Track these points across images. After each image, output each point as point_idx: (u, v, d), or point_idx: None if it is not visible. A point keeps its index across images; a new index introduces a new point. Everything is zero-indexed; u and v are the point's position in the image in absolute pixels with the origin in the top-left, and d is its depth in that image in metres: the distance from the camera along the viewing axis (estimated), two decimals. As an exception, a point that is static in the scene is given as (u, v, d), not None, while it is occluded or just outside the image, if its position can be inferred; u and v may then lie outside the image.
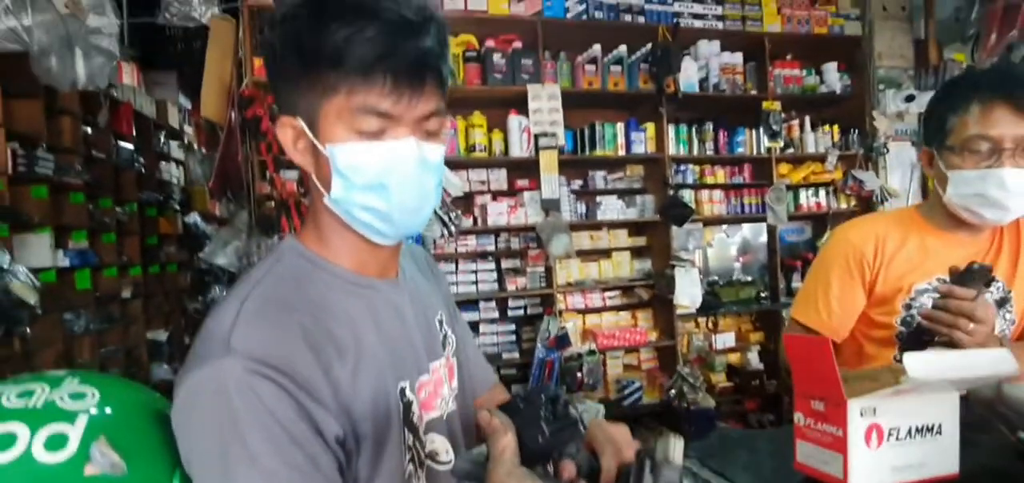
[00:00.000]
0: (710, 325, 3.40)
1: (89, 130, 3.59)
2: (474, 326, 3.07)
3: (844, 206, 3.50)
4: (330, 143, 0.58)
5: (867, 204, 3.40)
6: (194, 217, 4.60)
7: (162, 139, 4.77)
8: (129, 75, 2.43)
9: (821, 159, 3.43)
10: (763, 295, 3.42)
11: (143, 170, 4.35)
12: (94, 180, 3.59)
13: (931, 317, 0.92)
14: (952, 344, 0.90)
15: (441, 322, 0.75)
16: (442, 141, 0.63)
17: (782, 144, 3.30)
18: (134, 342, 4.11)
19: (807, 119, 3.44)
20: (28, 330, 2.93)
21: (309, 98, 0.58)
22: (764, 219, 3.33)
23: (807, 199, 3.46)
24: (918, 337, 0.95)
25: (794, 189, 3.42)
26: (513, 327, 3.13)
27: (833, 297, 1.12)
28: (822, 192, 3.48)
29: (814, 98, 3.45)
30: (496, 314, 3.10)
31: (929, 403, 0.72)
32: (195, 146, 4.98)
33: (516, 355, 3.06)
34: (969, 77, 1.06)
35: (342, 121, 0.57)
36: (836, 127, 3.48)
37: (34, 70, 2.43)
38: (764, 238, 3.48)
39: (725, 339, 3.36)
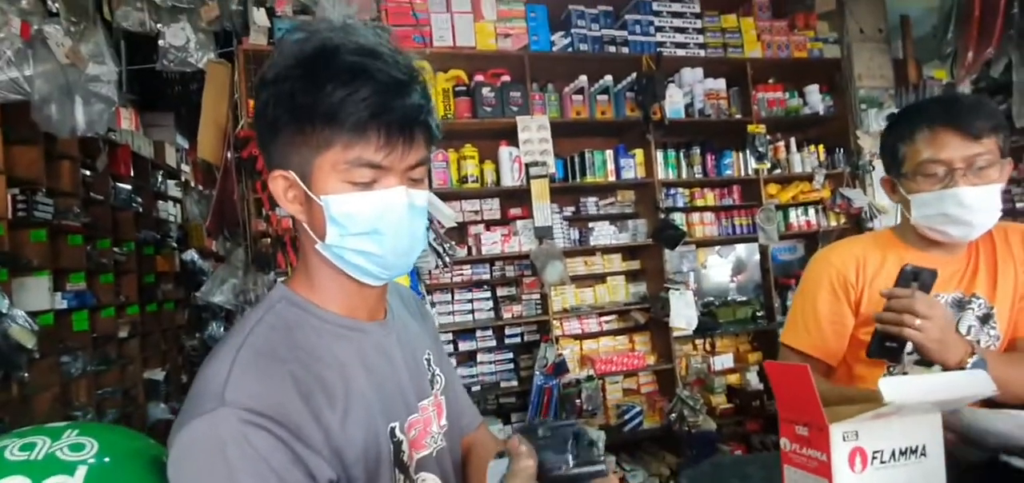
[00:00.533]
0: (708, 346, 3.42)
1: (87, 173, 3.64)
2: (471, 355, 3.08)
3: (834, 224, 3.54)
4: (324, 194, 0.61)
5: (857, 221, 3.45)
6: (191, 254, 4.63)
7: (160, 178, 4.84)
8: (128, 119, 2.51)
9: (808, 179, 3.49)
10: (759, 314, 3.44)
11: (140, 210, 4.40)
12: (92, 222, 3.63)
13: (881, 319, 0.95)
14: (911, 350, 0.94)
15: (429, 361, 0.78)
16: (425, 187, 0.67)
17: (769, 165, 3.36)
18: (131, 382, 4.10)
19: (792, 140, 3.52)
20: (26, 375, 2.93)
21: (302, 152, 0.61)
22: (756, 239, 3.37)
23: (797, 218, 3.50)
24: (881, 342, 0.97)
25: (784, 209, 3.47)
26: (511, 355, 3.14)
27: (822, 319, 1.14)
28: (812, 211, 3.53)
29: (798, 120, 3.53)
30: (493, 342, 3.11)
31: (912, 424, 0.72)
32: (192, 184, 5.05)
33: (515, 383, 3.06)
34: (913, 108, 1.12)
35: (336, 173, 0.60)
36: (821, 147, 3.55)
37: (34, 118, 2.48)
38: (757, 258, 3.52)
39: (723, 360, 3.36)
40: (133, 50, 2.96)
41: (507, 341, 3.14)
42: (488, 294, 3.11)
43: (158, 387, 4.34)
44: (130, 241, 4.18)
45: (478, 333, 3.07)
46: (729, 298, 3.53)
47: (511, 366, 3.13)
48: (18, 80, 2.44)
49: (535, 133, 2.95)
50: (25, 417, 3.10)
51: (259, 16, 2.59)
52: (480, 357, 3.08)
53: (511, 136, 2.94)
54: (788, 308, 3.37)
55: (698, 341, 3.37)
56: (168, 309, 4.85)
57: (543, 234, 2.96)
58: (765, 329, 3.40)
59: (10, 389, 3.01)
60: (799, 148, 3.51)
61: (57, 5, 2.41)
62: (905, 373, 1.04)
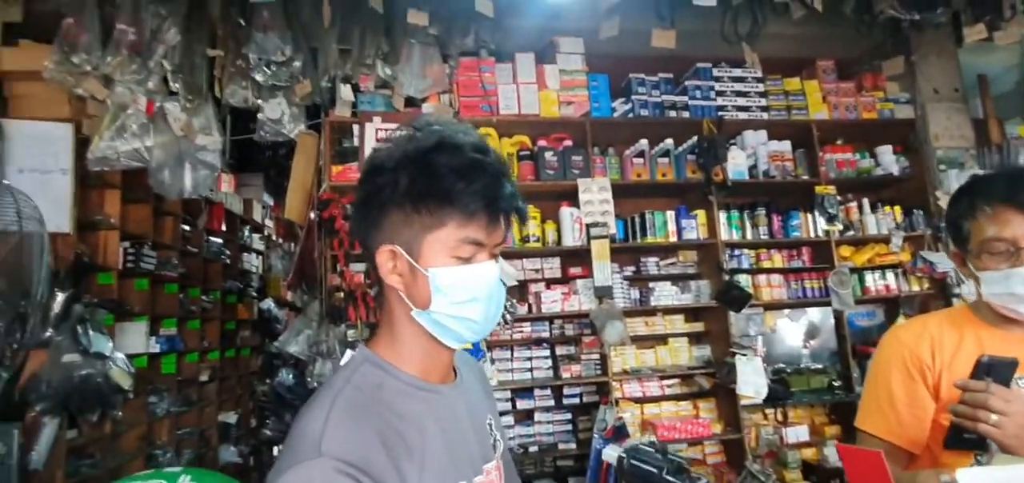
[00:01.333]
0: (780, 417, 3.22)
1: (186, 228, 4.04)
2: (529, 414, 3.06)
3: (916, 288, 3.33)
4: (431, 267, 0.70)
5: (942, 286, 3.23)
6: (268, 303, 4.96)
7: (246, 233, 5.28)
8: (227, 183, 2.83)
9: (885, 241, 3.33)
10: (836, 384, 3.22)
11: (228, 261, 4.80)
12: (186, 272, 3.99)
13: (956, 412, 0.91)
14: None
15: (491, 425, 0.84)
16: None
17: (841, 227, 3.24)
18: (207, 424, 4.34)
19: (865, 201, 3.39)
20: (120, 413, 3.19)
21: (413, 230, 0.70)
22: (829, 303, 3.21)
23: (874, 282, 3.32)
24: (959, 434, 0.92)
25: (859, 272, 3.30)
26: (569, 416, 3.09)
27: (898, 403, 1.08)
28: (890, 274, 3.34)
29: (870, 180, 3.42)
30: (552, 402, 3.08)
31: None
32: (274, 238, 5.48)
33: (573, 445, 3.00)
34: (974, 183, 1.08)
35: (446, 249, 0.70)
36: (898, 208, 3.39)
37: (150, 182, 2.81)
38: (832, 323, 3.33)
39: (798, 432, 3.15)
40: (235, 121, 3.33)
41: (565, 401, 3.11)
42: (547, 352, 3.11)
43: (230, 430, 4.57)
44: (217, 290, 4.55)
45: (536, 392, 3.06)
46: (802, 365, 3.34)
47: (569, 427, 3.08)
48: (140, 149, 2.79)
49: (596, 194, 3.01)
50: (114, 454, 3.34)
51: (345, 91, 2.88)
52: (538, 416, 3.06)
53: (572, 197, 3.02)
54: (868, 380, 3.17)
55: (769, 410, 3.18)
56: (244, 355, 5.16)
57: (603, 293, 2.97)
58: (843, 401, 3.17)
59: (103, 426, 3.27)
60: (873, 209, 3.37)
61: (177, 85, 2.78)
62: (990, 463, 0.96)
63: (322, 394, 0.70)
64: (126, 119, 2.67)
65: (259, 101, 2.82)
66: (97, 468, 3.08)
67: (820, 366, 3.33)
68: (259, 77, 2.71)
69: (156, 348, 3.59)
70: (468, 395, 0.82)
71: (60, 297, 2.63)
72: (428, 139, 0.70)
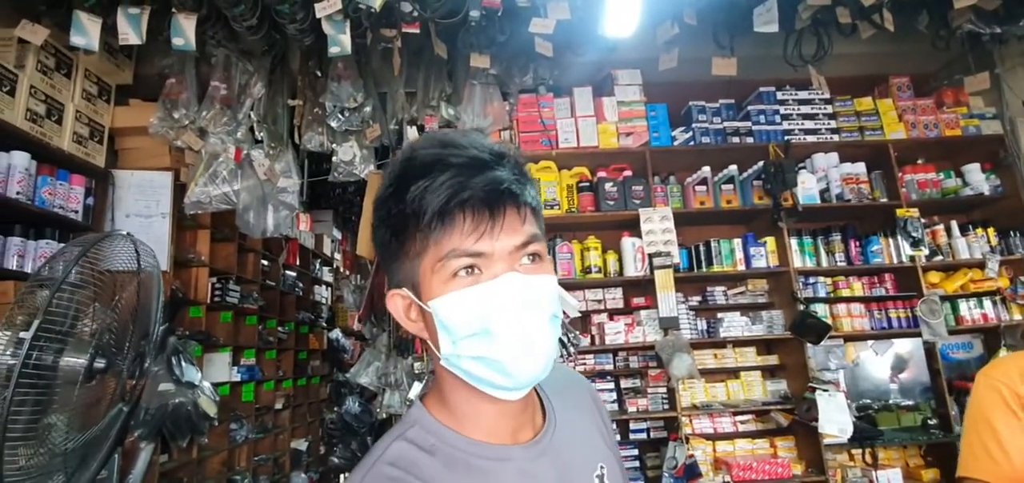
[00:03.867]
0: (868, 458, 2.98)
1: (265, 264, 4.32)
2: (595, 450, 2.98)
3: (1018, 317, 3.04)
4: (431, 300, 0.56)
5: (1051, 314, 2.93)
6: (337, 333, 5.17)
7: (317, 266, 5.57)
8: (304, 222, 3.02)
9: (979, 265, 3.08)
10: (931, 422, 2.96)
11: (301, 293, 5.07)
12: (265, 305, 4.25)
13: None
14: None
15: (603, 477, 0.66)
16: (548, 269, 0.59)
17: (927, 251, 3.03)
18: (281, 451, 4.54)
19: (954, 223, 3.15)
20: (206, 439, 3.40)
21: (409, 265, 0.58)
22: (918, 334, 2.98)
23: (969, 310, 3.06)
24: None
25: (951, 299, 3.06)
26: (636, 451, 3.00)
27: (1007, 445, 0.98)
28: (987, 302, 3.07)
29: (958, 201, 3.18)
30: (617, 437, 3.00)
31: None
32: (342, 270, 5.76)
33: (641, 481, 2.90)
34: None
35: (437, 274, 0.56)
36: (991, 230, 3.13)
37: (236, 222, 3.05)
38: (922, 355, 3.08)
39: (890, 476, 2.89)
40: (311, 163, 3.56)
41: (632, 436, 3.02)
42: (611, 385, 3.06)
43: (301, 457, 4.74)
44: (291, 321, 4.81)
45: (602, 426, 2.99)
46: (891, 401, 3.09)
47: (636, 464, 2.98)
48: (229, 193, 3.04)
49: (657, 223, 2.98)
50: (198, 478, 3.55)
51: (411, 133, 3.03)
52: (604, 452, 2.98)
53: (633, 227, 3.00)
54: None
55: (855, 451, 2.96)
56: (314, 384, 5.39)
57: (669, 325, 2.90)
58: (941, 441, 2.90)
59: (191, 452, 3.49)
60: (963, 232, 3.14)
61: (262, 134, 3.02)
62: None
63: (359, 466, 0.59)
64: (217, 166, 2.93)
65: (333, 145, 3.01)
66: (184, 491, 3.28)
67: (911, 402, 3.08)
68: (333, 123, 2.91)
69: (237, 377, 3.82)
70: (562, 450, 0.63)
71: (159, 330, 2.87)
72: (397, 160, 0.59)
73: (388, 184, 0.58)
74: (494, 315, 0.54)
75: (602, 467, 0.65)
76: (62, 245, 2.12)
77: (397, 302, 0.61)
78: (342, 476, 4.72)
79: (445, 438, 0.60)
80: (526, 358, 0.55)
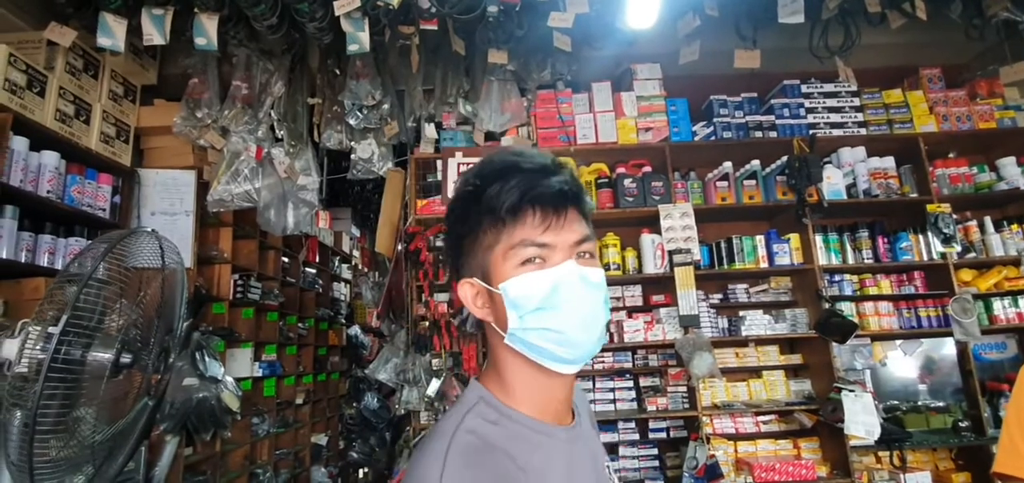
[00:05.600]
0: (896, 460, 2.90)
1: (286, 261, 4.38)
2: (613, 448, 2.97)
3: (1058, 317, 2.92)
4: (501, 282, 0.67)
5: (1092, 314, 2.81)
6: (355, 329, 5.22)
7: (336, 263, 5.63)
8: (324, 220, 3.07)
9: (1014, 263, 2.96)
10: (962, 424, 2.86)
11: (320, 290, 5.13)
12: (285, 301, 4.30)
13: None
14: None
15: (609, 468, 0.78)
16: (598, 265, 0.70)
17: (959, 248, 2.93)
18: (301, 445, 4.59)
19: (987, 219, 3.05)
20: (229, 434, 3.46)
21: (479, 256, 0.69)
22: (948, 333, 2.89)
23: (1003, 309, 2.95)
24: None
25: (984, 298, 2.96)
26: (655, 451, 2.97)
27: None
28: (1022, 301, 2.96)
29: (992, 196, 3.07)
30: (636, 436, 2.98)
31: None
32: (360, 267, 5.82)
33: (660, 481, 2.86)
34: None
35: (507, 262, 0.66)
36: (1028, 226, 3.02)
37: (258, 220, 3.08)
38: (953, 355, 2.99)
39: (919, 479, 2.80)
40: (330, 161, 3.59)
41: (651, 435, 2.99)
42: (630, 383, 3.03)
43: (321, 451, 4.80)
44: (311, 318, 4.86)
45: (620, 425, 2.97)
46: (920, 403, 3.01)
47: (656, 463, 2.95)
48: (250, 191, 3.08)
49: (677, 220, 2.93)
50: (221, 471, 3.61)
51: (429, 130, 3.03)
52: (622, 450, 2.96)
53: (653, 224, 2.96)
54: (1001, 421, 2.79)
55: (883, 453, 2.88)
56: (334, 379, 5.45)
57: (689, 323, 2.85)
58: (972, 444, 2.81)
59: (214, 445, 3.56)
60: (997, 228, 3.03)
61: (282, 132, 3.06)
62: None
63: (436, 437, 0.66)
64: (239, 164, 2.97)
65: (352, 143, 3.03)
66: (208, 483, 3.33)
67: (941, 404, 2.99)
68: (352, 121, 2.92)
69: (259, 372, 3.87)
70: (588, 440, 0.75)
71: (183, 325, 2.93)
72: (474, 169, 0.71)
73: (465, 186, 0.70)
74: (559, 291, 0.65)
75: (607, 461, 0.78)
76: (90, 242, 2.17)
77: (466, 290, 0.71)
78: (361, 470, 4.78)
79: (506, 413, 0.68)
80: (584, 331, 0.66)
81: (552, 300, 0.65)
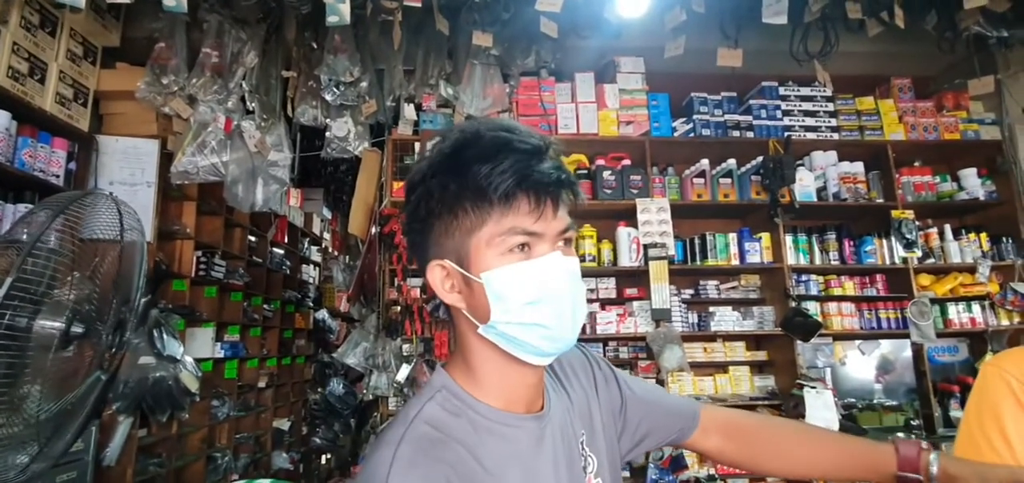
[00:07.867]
0: (851, 455, 3.00)
1: (253, 240, 4.23)
2: (583, 439, 2.98)
3: (1006, 323, 3.07)
4: (483, 271, 0.61)
5: (1037, 321, 2.96)
6: (323, 313, 5.10)
7: (306, 245, 5.48)
8: (294, 198, 2.95)
9: (970, 270, 3.10)
10: (914, 422, 2.99)
11: (288, 272, 4.98)
12: (251, 281, 4.17)
13: None
14: None
15: (582, 443, 0.75)
16: (575, 253, 0.67)
17: (920, 254, 3.04)
18: (263, 429, 4.47)
19: (947, 227, 3.17)
20: (186, 415, 3.34)
21: (457, 238, 0.63)
22: (906, 335, 3.00)
23: (958, 314, 3.08)
24: None
25: (940, 302, 3.08)
26: (624, 442, 2.99)
27: (1012, 439, 0.96)
28: (976, 306, 3.10)
29: (953, 205, 3.20)
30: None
31: None
32: (330, 250, 5.68)
33: (626, 473, 2.89)
34: None
35: (492, 248, 0.61)
36: (984, 235, 3.15)
37: (224, 195, 2.96)
38: (908, 356, 3.11)
39: (872, 473, 2.92)
40: (303, 138, 3.47)
41: (620, 427, 3.02)
42: (602, 375, 3.04)
43: (283, 436, 4.69)
44: (277, 300, 4.72)
45: (590, 415, 2.98)
46: (874, 401, 3.12)
47: (624, 455, 2.98)
48: (217, 165, 2.95)
49: (654, 214, 2.95)
50: (178, 454, 3.49)
51: (408, 110, 2.96)
52: (592, 441, 2.98)
53: (630, 217, 2.97)
54: (952, 420, 2.92)
55: (840, 448, 2.97)
56: (299, 363, 5.32)
57: (661, 317, 2.89)
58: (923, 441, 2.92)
59: (171, 427, 3.43)
60: (956, 236, 3.15)
61: (253, 104, 2.94)
62: None
63: (393, 426, 0.63)
64: (206, 136, 2.84)
65: (327, 120, 2.93)
66: (163, 467, 3.22)
67: (895, 403, 3.10)
68: (328, 97, 2.83)
69: (220, 354, 3.75)
70: (560, 419, 0.71)
71: (141, 301, 2.80)
72: (452, 138, 0.64)
73: (438, 160, 0.63)
74: (548, 285, 0.62)
75: (583, 434, 0.75)
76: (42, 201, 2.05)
77: (436, 273, 0.65)
78: (324, 457, 4.69)
79: (470, 404, 0.65)
80: (571, 324, 0.64)
81: (542, 294, 0.61)
